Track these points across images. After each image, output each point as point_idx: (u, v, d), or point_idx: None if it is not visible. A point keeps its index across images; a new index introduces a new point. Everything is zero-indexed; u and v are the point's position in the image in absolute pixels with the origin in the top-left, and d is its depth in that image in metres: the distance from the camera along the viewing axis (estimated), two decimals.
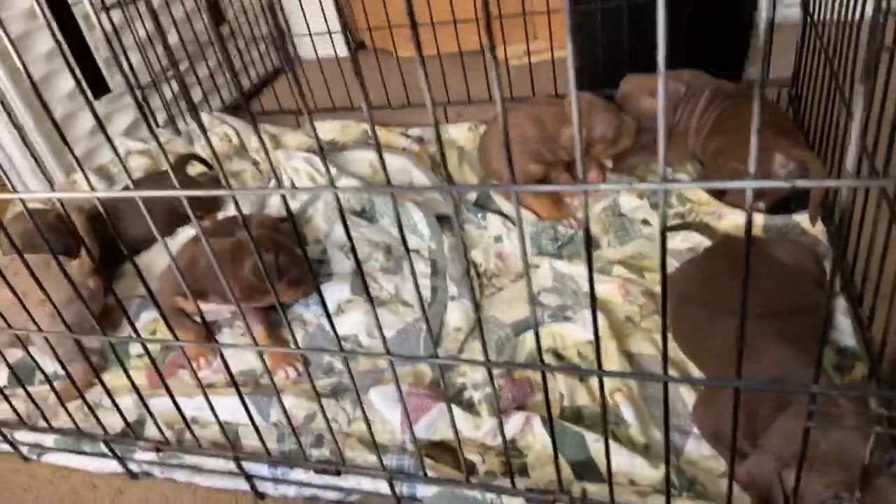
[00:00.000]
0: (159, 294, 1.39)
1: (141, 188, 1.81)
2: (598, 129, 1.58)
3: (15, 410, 1.21)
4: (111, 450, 1.17)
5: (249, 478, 1.09)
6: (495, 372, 1.17)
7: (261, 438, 1.00)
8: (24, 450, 1.28)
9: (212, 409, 1.03)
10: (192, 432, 1.07)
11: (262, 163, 2.11)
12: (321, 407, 0.90)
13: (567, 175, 1.71)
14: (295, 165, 1.92)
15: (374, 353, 0.91)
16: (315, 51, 2.29)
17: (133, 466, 1.20)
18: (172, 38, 2.25)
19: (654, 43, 0.47)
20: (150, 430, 1.23)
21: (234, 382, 0.92)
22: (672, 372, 1.12)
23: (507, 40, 2.25)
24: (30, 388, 1.35)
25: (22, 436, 1.27)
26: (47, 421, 1.22)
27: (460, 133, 2.05)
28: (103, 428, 1.14)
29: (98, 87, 2.12)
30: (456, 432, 0.87)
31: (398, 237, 1.60)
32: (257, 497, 1.11)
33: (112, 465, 1.21)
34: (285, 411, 0.95)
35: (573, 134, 1.56)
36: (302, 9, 2.25)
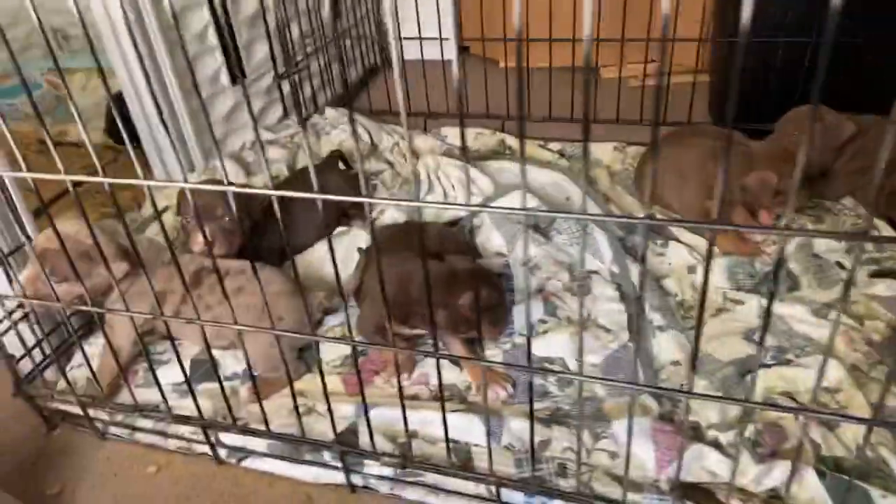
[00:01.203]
0: (369, 318, 1.34)
1: (299, 185, 1.76)
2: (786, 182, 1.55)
3: (198, 409, 1.15)
4: (342, 459, 1.12)
5: None
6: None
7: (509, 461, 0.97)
8: (223, 453, 1.23)
9: (445, 425, 1.00)
10: (409, 446, 1.02)
11: (397, 165, 2.07)
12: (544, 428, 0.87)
13: (742, 211, 1.68)
14: (446, 171, 1.88)
15: (621, 381, 0.88)
16: (421, 52, 2.23)
17: (357, 480, 1.15)
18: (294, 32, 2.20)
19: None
20: (365, 440, 1.18)
21: (442, 398, 0.88)
22: None
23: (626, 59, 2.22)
24: (208, 387, 1.32)
25: (225, 438, 1.22)
26: (234, 420, 1.17)
27: (605, 152, 2.02)
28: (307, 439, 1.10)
29: (236, 71, 2.07)
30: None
31: (576, 256, 1.57)
32: None
33: (329, 476, 1.16)
34: (531, 435, 0.91)
35: (764, 181, 1.55)
36: (417, 12, 2.21)
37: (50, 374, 1.40)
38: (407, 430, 1.04)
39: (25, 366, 1.33)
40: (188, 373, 1.35)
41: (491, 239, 1.62)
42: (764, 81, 1.88)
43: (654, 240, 1.60)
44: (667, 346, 1.32)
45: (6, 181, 1.23)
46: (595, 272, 1.53)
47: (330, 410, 1.06)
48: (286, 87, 2.26)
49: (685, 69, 2.13)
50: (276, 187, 1.72)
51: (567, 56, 2.05)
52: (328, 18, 2.44)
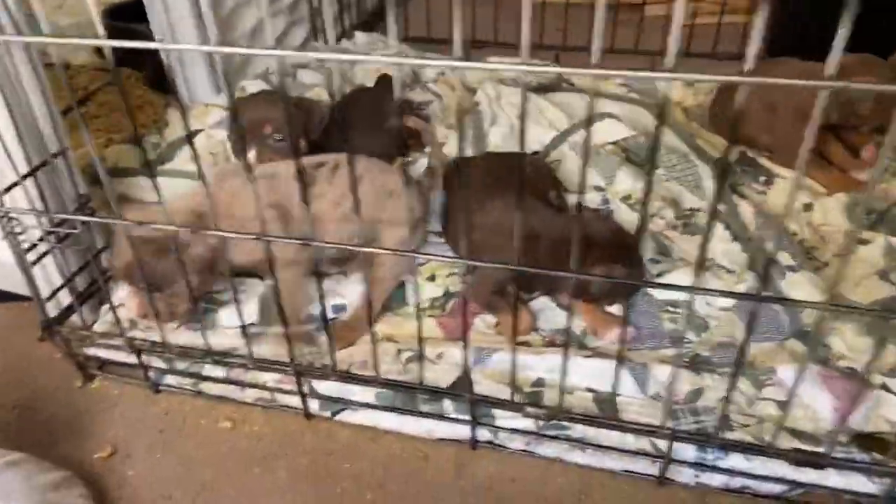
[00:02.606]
0: (486, 281, 1.16)
1: (355, 107, 1.55)
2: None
3: (291, 352, 0.97)
4: (471, 411, 0.95)
5: (670, 462, 0.90)
6: None
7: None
8: (314, 405, 1.04)
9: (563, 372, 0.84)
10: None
11: (444, 96, 1.86)
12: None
13: (839, 146, 1.56)
14: (510, 101, 1.69)
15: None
16: None
17: (482, 434, 0.98)
18: None
19: None
20: (483, 388, 1.01)
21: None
22: None
23: None
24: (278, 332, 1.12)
25: (320, 387, 1.03)
26: (334, 365, 0.99)
27: (673, 89, 1.86)
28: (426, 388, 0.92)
29: None
30: None
31: (676, 191, 1.42)
32: (660, 484, 0.93)
33: (448, 430, 0.99)
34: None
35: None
36: None
37: (74, 319, 1.17)
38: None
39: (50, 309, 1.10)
40: (256, 316, 1.16)
41: (578, 171, 1.45)
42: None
43: (756, 177, 1.47)
44: (800, 289, 1.19)
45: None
46: (696, 210, 1.39)
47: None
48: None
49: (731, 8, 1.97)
50: (332, 108, 1.52)
51: None
52: None
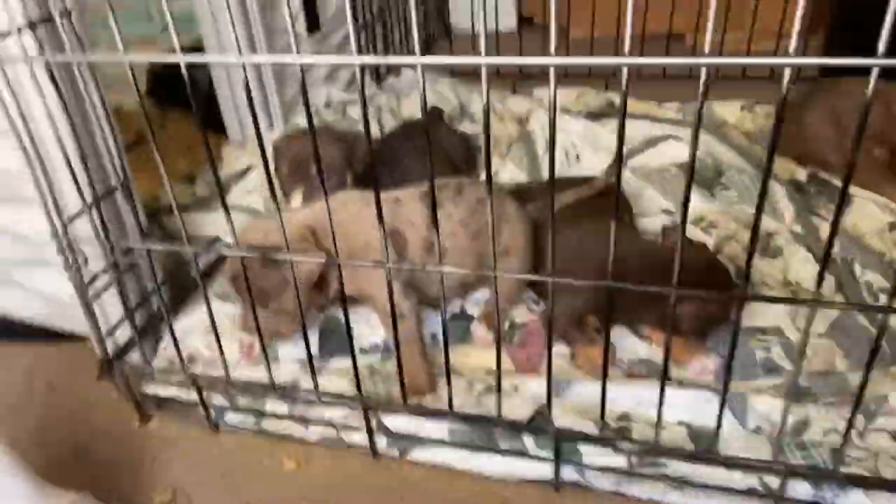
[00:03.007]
0: (568, 310, 1.09)
1: (404, 139, 1.52)
2: None
3: (358, 384, 0.91)
4: (556, 448, 0.87)
5: (782, 500, 0.81)
6: None
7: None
8: (382, 443, 0.98)
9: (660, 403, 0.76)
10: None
11: (494, 128, 1.83)
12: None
13: None
14: (565, 127, 1.65)
15: None
16: (472, 23, 2.02)
17: (567, 474, 0.91)
18: None
19: None
20: (566, 422, 0.94)
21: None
22: None
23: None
24: (340, 366, 1.07)
25: (390, 422, 0.96)
26: (405, 398, 0.92)
27: (731, 112, 1.80)
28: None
29: (312, 21, 1.82)
30: None
31: (749, 212, 1.35)
32: None
33: (528, 469, 0.92)
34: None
35: None
36: None
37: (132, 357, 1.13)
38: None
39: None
40: (317, 347, 1.11)
41: (643, 195, 1.40)
42: None
43: (832, 198, 1.39)
44: None
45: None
46: (773, 232, 1.31)
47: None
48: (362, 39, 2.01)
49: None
50: (381, 141, 1.50)
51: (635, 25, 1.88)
52: None
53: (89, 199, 0.92)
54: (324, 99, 1.88)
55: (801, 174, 1.48)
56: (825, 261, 0.65)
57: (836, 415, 0.92)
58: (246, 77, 0.70)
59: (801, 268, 1.21)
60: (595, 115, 1.85)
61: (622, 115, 0.63)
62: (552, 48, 0.60)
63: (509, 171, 1.56)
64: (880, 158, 1.46)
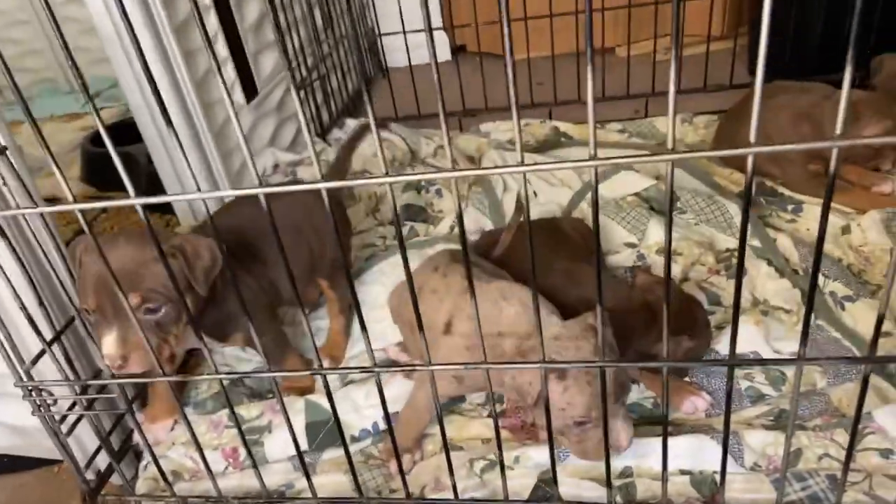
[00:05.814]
0: None
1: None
2: None
3: (356, 481, 0.89)
4: None
5: None
6: None
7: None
8: None
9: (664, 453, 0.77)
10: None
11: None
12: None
13: (854, 167, 1.53)
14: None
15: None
16: (409, 56, 2.04)
17: None
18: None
19: None
20: (571, 490, 0.94)
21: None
22: None
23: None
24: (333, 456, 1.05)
25: None
26: (408, 494, 0.91)
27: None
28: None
29: (250, 88, 1.79)
30: None
31: (708, 234, 1.38)
32: None
33: None
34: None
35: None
36: (400, 8, 2.04)
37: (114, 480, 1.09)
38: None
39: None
40: (306, 441, 1.09)
41: (604, 229, 1.41)
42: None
43: (783, 206, 1.44)
44: (863, 317, 1.14)
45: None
46: (733, 250, 1.35)
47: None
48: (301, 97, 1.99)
49: (700, 39, 1.97)
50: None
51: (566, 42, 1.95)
52: (321, 26, 2.19)
53: (49, 336, 0.88)
54: (271, 161, 1.85)
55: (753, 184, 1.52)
56: (808, 317, 0.66)
57: (826, 438, 0.95)
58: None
59: (766, 284, 1.25)
60: (542, 145, 1.88)
61: (595, 205, 0.63)
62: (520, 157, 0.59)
63: (472, 218, 1.55)
64: (816, 172, 1.51)
